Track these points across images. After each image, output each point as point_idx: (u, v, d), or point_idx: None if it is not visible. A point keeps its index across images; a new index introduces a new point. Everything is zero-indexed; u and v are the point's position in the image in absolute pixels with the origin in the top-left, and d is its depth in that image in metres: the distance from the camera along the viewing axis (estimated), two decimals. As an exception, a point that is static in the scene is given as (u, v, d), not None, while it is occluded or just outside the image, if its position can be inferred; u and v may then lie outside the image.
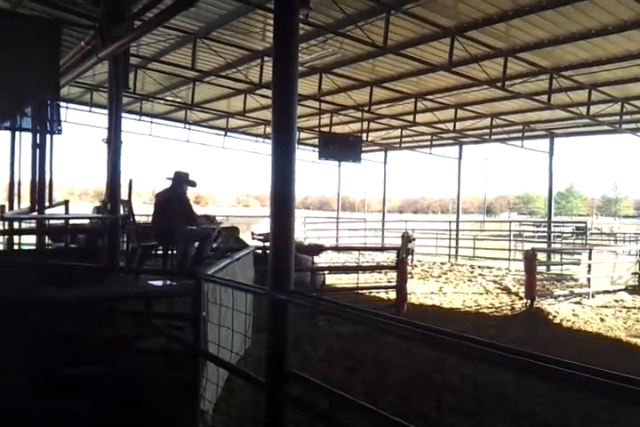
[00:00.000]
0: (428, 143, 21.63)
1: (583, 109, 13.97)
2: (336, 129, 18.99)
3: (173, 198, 7.47)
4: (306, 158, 22.38)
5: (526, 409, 4.49)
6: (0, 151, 9.85)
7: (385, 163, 24.34)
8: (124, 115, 8.03)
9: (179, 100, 16.53)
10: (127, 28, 7.13)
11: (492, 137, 18.66)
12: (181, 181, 7.60)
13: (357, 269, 12.81)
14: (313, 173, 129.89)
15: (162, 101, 17.08)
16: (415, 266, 16.07)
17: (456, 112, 16.33)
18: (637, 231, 27.63)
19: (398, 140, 20.90)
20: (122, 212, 7.20)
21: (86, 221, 9.76)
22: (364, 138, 18.22)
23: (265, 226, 16.97)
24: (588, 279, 10.80)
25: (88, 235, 8.00)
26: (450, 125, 17.48)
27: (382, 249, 17.80)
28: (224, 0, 8.96)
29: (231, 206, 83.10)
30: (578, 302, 10.00)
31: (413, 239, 16.55)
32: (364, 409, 2.60)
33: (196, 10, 9.30)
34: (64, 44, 8.20)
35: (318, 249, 12.25)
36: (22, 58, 6.77)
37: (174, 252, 7.61)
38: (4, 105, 6.80)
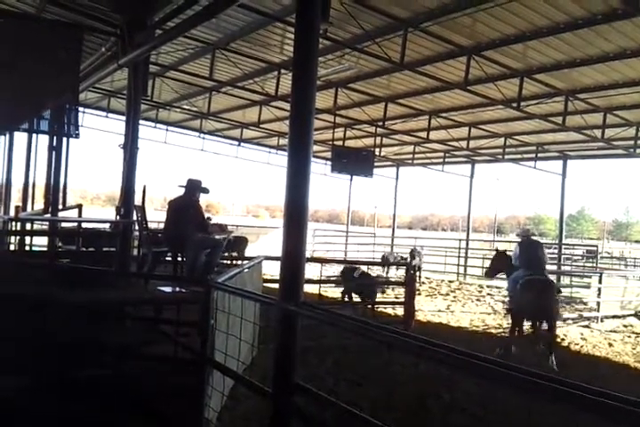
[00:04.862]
0: (441, 160, 21.65)
1: (598, 132, 13.91)
2: (349, 143, 19.01)
3: (187, 206, 7.47)
4: (318, 171, 22.42)
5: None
6: (15, 153, 9.99)
7: (397, 178, 24.37)
8: (139, 121, 8.10)
9: (195, 109, 16.68)
10: (148, 36, 7.24)
11: (505, 157, 18.62)
12: (194, 188, 7.58)
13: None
14: (324, 186, 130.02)
15: (178, 110, 17.25)
16: (423, 283, 15.97)
17: (470, 130, 16.34)
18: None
19: (411, 156, 20.95)
20: (135, 217, 7.25)
21: (97, 225, 9.82)
22: (377, 153, 18.24)
23: (276, 237, 16.97)
24: (598, 303, 10.68)
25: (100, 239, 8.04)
26: (463, 143, 17.50)
27: (388, 264, 17.66)
28: (244, 12, 9.04)
29: (241, 216, 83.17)
30: (586, 326, 9.91)
31: (417, 255, 16.47)
32: (370, 424, 2.57)
33: (217, 21, 9.41)
34: (85, 49, 8.31)
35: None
36: (44, 62, 6.88)
37: (184, 259, 7.62)
38: (24, 107, 6.89)
